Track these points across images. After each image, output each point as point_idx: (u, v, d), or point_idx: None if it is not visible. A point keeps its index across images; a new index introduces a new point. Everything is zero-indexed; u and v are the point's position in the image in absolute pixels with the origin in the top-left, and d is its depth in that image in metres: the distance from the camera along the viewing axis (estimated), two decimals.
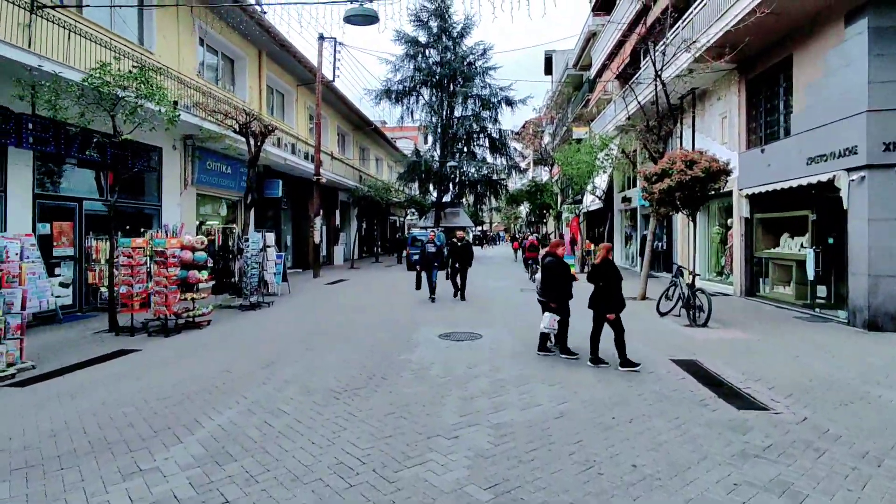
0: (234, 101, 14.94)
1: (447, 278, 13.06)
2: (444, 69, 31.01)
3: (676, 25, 12.92)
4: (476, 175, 33.36)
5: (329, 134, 27.63)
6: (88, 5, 10.78)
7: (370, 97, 32.02)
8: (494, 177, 34.39)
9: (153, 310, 8.97)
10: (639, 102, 13.03)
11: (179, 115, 9.99)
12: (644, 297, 12.65)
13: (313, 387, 5.62)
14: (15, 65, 8.07)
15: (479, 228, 73.74)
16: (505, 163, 33.62)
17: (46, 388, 5.79)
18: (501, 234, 71.74)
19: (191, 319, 9.48)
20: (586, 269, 21.22)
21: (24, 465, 3.77)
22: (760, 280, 12.63)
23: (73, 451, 4.04)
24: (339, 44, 19.67)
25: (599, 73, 25.42)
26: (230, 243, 12.28)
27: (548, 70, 41.75)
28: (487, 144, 33.49)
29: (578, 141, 23.01)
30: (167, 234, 12.61)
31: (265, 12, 17.43)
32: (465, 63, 31.66)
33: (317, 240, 19.11)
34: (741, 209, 12.63)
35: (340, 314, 10.79)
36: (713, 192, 8.99)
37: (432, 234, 13.61)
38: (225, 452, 3.97)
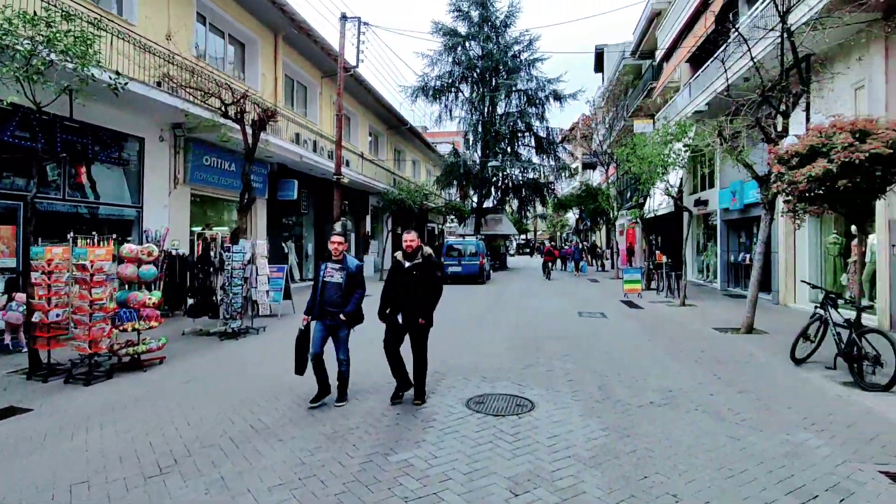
0: (233, 84, 12.59)
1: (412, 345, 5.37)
2: (486, 62, 28.26)
3: None
4: (520, 178, 30.37)
5: (360, 133, 25.34)
6: None
7: (405, 94, 29.71)
8: (542, 180, 31.25)
9: (73, 344, 6.49)
10: (726, 81, 9.78)
11: (126, 82, 7.55)
12: (751, 330, 9.33)
13: None
14: None
15: (524, 237, 70.31)
16: (553, 164, 30.45)
17: None
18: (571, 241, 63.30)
19: (136, 356, 6.98)
20: (654, 285, 17.79)
21: None
22: None
23: None
24: (364, 24, 17.19)
25: (666, 57, 21.99)
26: (211, 254, 9.80)
27: (598, 67, 38.13)
28: (533, 144, 30.46)
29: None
30: (147, 241, 10.32)
31: None
32: (509, 55, 28.81)
33: None
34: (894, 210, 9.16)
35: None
36: None
37: (335, 241, 5.35)
38: None
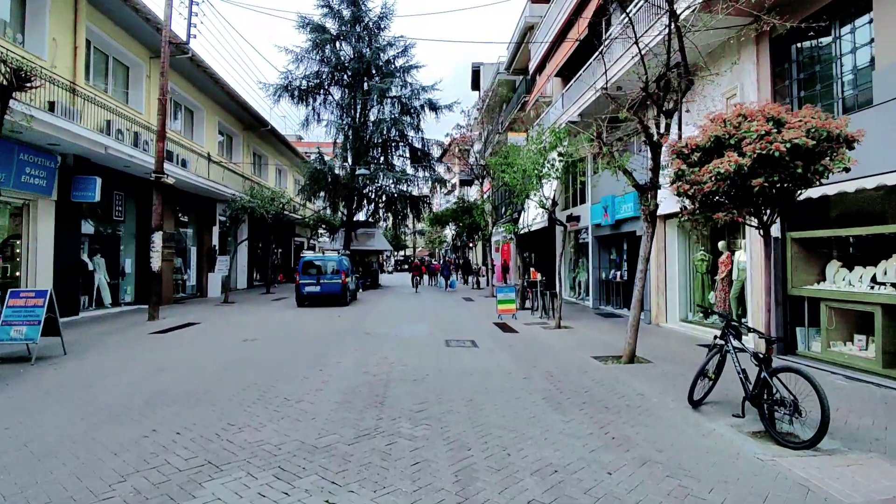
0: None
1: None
2: (357, 64, 26.17)
3: None
4: (394, 190, 28.49)
5: (206, 130, 21.76)
6: None
7: (267, 93, 26.52)
8: (416, 192, 29.71)
9: None
10: (605, 88, 8.77)
11: None
12: (633, 359, 8.16)
13: None
14: None
15: (402, 253, 68.51)
16: (428, 175, 29.04)
17: None
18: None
19: None
20: (528, 304, 16.75)
21: None
22: (798, 331, 8.57)
23: None
24: None
25: (539, 69, 21.66)
26: None
27: (475, 85, 38.04)
28: (408, 155, 28.83)
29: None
30: None
31: None
32: (383, 59, 27.04)
33: (155, 266, 13.20)
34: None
35: (88, 428, 5.29)
36: (820, 180, 4.60)
37: None
38: None
